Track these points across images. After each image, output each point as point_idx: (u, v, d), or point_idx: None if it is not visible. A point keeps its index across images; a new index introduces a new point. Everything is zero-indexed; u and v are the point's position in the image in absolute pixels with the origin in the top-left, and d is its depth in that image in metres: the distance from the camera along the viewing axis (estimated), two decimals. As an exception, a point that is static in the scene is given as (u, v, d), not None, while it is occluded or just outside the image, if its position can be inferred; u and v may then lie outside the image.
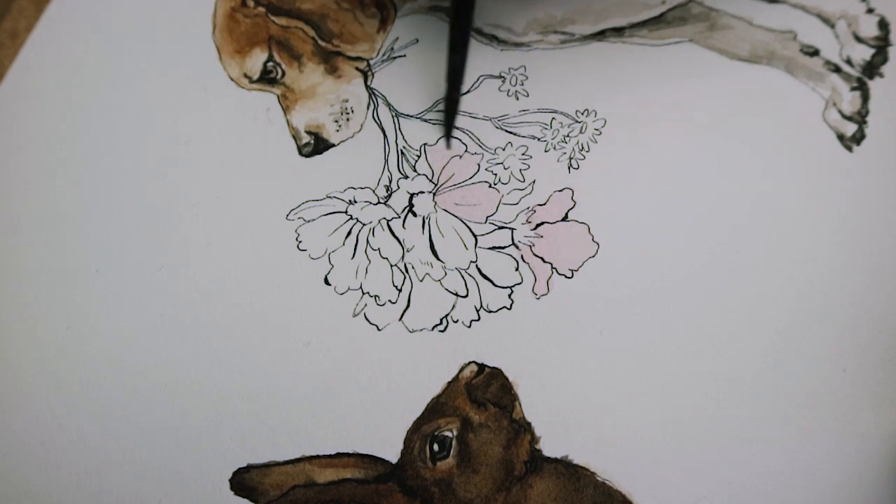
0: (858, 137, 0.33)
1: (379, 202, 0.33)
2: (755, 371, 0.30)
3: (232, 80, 0.36)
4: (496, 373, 0.30)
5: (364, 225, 0.33)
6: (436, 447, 0.29)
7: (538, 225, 0.33)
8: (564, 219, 0.33)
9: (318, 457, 0.30)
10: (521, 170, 0.34)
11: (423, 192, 0.34)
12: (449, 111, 0.34)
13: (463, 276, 0.32)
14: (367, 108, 0.35)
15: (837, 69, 0.34)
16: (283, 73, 0.36)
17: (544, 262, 0.32)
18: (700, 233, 0.32)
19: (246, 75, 0.36)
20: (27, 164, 0.36)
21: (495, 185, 0.33)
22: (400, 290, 0.32)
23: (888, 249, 0.31)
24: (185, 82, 0.36)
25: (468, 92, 0.35)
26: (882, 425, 0.29)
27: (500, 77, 0.35)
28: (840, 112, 0.33)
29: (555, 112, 0.34)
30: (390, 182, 0.34)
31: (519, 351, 0.31)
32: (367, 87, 0.36)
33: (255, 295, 0.32)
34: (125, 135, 0.36)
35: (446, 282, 0.32)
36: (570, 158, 0.34)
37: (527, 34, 0.36)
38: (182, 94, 0.36)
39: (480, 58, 0.36)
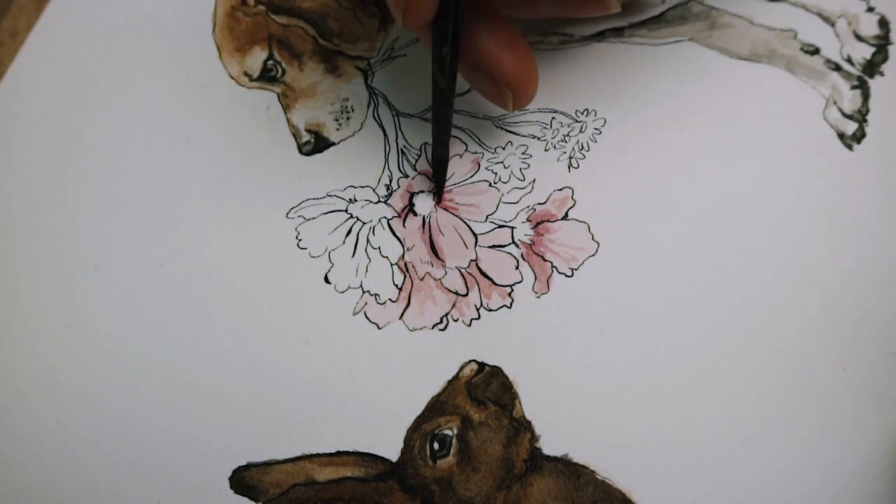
0: (859, 136, 0.33)
1: (379, 201, 0.33)
2: (755, 369, 0.30)
3: (232, 78, 0.36)
4: (496, 371, 0.30)
5: (364, 223, 0.33)
6: (436, 445, 0.29)
7: (538, 224, 0.33)
8: (565, 217, 0.33)
9: (318, 455, 0.30)
10: (521, 169, 0.34)
11: (423, 191, 0.34)
12: (439, 171, 0.33)
13: (463, 275, 0.32)
14: (368, 106, 0.35)
15: (838, 68, 0.34)
16: (284, 72, 0.36)
17: (544, 260, 0.32)
18: (700, 231, 0.32)
19: (246, 73, 0.36)
20: (26, 161, 0.36)
21: (495, 183, 0.33)
22: (400, 289, 0.32)
23: (889, 248, 0.31)
24: (184, 80, 0.36)
25: (468, 91, 0.35)
26: (883, 424, 0.29)
27: (501, 76, 0.35)
28: (840, 110, 0.33)
29: (555, 112, 0.35)
30: (391, 181, 0.34)
31: (519, 349, 0.31)
32: (367, 85, 0.36)
33: (255, 293, 0.32)
34: (125, 133, 0.36)
35: (446, 280, 0.32)
36: (570, 158, 0.34)
37: (526, 35, 0.36)
38: (182, 92, 0.36)
39: (481, 57, 0.36)
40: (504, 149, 0.34)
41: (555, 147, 0.34)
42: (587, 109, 0.34)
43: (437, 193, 0.33)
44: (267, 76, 0.36)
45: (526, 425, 0.30)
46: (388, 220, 0.33)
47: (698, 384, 0.30)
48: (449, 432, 0.30)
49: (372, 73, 0.36)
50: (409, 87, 0.36)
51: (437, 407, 0.30)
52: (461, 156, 0.34)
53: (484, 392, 0.30)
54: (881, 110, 0.33)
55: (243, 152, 0.35)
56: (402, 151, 0.34)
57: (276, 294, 0.32)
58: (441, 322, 0.31)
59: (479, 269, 0.32)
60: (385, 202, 0.33)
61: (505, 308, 0.31)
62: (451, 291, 0.32)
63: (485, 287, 0.32)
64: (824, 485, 0.28)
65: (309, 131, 0.35)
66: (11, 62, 0.38)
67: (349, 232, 0.33)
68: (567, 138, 0.34)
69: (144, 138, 0.36)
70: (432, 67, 0.29)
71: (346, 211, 0.33)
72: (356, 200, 0.34)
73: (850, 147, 0.33)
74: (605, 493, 0.28)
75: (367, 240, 0.33)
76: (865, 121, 0.33)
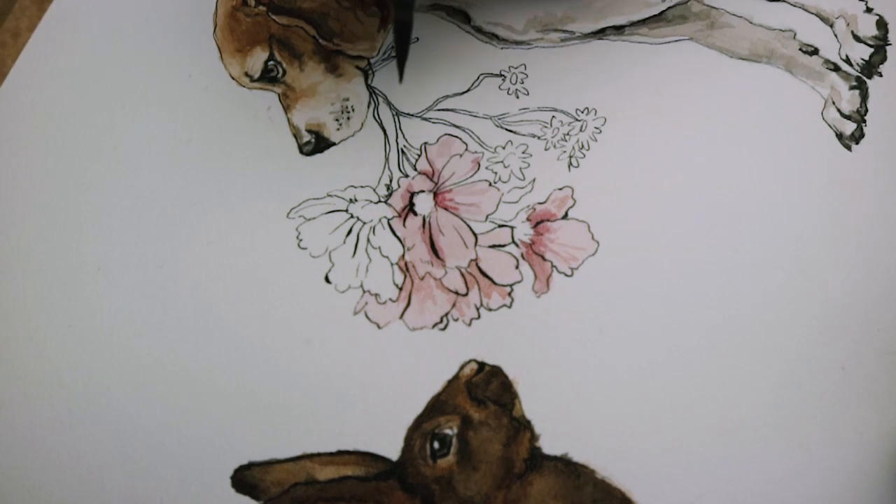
0: (857, 136, 0.33)
1: (379, 201, 0.34)
2: (754, 369, 0.30)
3: (233, 78, 0.36)
4: (496, 371, 0.30)
5: (365, 223, 0.33)
6: (436, 445, 0.29)
7: (538, 223, 0.33)
8: (564, 217, 0.33)
9: (318, 454, 0.30)
10: (521, 168, 0.34)
11: (423, 191, 0.34)
12: (401, 38, 0.30)
13: (463, 275, 0.32)
14: (368, 106, 0.35)
15: (836, 68, 0.34)
16: (284, 72, 0.36)
17: (544, 260, 0.32)
18: (699, 231, 0.32)
19: (247, 74, 0.36)
20: (29, 162, 0.36)
21: (495, 183, 0.33)
22: (400, 289, 0.32)
23: (888, 248, 0.31)
24: (186, 81, 0.37)
25: (468, 91, 0.35)
26: (881, 423, 0.29)
27: (501, 75, 0.35)
28: (839, 111, 0.33)
29: (555, 110, 0.35)
30: (391, 181, 0.34)
31: (519, 349, 0.31)
32: (367, 85, 0.36)
33: (256, 293, 0.32)
34: (126, 134, 0.36)
35: (447, 280, 0.32)
36: (570, 157, 0.34)
37: (527, 32, 0.36)
38: (183, 92, 0.36)
39: (481, 56, 0.36)
40: (504, 148, 0.34)
41: (555, 146, 0.34)
42: (587, 108, 0.34)
43: (399, 67, 0.31)
44: (268, 76, 0.36)
45: (526, 424, 0.30)
46: (389, 219, 0.33)
47: (697, 384, 0.30)
48: (449, 431, 0.30)
49: (372, 73, 0.36)
50: (410, 86, 0.36)
51: (437, 406, 0.30)
52: (461, 156, 0.34)
53: (484, 391, 0.30)
54: (879, 111, 0.33)
55: (244, 153, 0.35)
56: (403, 151, 0.34)
57: (277, 294, 0.32)
58: (441, 322, 0.31)
59: (479, 268, 0.32)
60: (385, 202, 0.34)
61: (505, 307, 0.31)
62: (451, 291, 0.32)
63: (485, 286, 0.32)
64: (823, 484, 0.28)
65: (309, 131, 0.35)
66: (14, 63, 0.38)
67: (349, 232, 0.33)
68: (567, 137, 0.34)
69: (146, 139, 0.36)
70: None
71: (346, 211, 0.33)
72: (356, 200, 0.34)
73: (848, 147, 0.33)
74: (605, 492, 0.29)
75: (368, 239, 0.33)
76: (864, 121, 0.33)
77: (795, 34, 0.35)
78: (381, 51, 0.36)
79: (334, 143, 0.35)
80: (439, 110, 0.35)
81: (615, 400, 0.30)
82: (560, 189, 0.33)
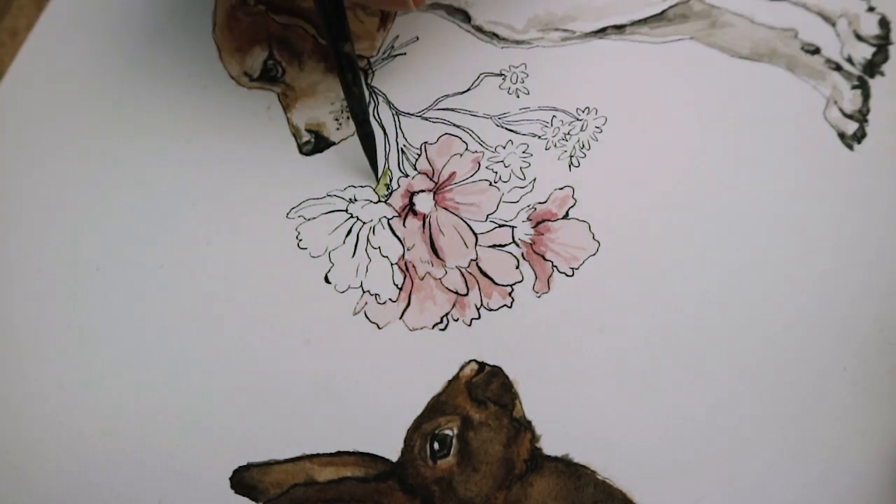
0: (859, 136, 0.33)
1: (379, 200, 0.33)
2: (755, 369, 0.30)
3: (232, 78, 0.36)
4: (496, 371, 0.30)
5: (364, 223, 0.33)
6: (436, 445, 0.29)
7: (539, 223, 0.33)
8: (565, 217, 0.33)
9: (318, 455, 0.30)
10: (521, 168, 0.34)
11: (423, 191, 0.34)
12: (369, 148, 0.33)
13: (463, 275, 0.32)
14: (368, 106, 0.35)
15: (838, 67, 0.34)
16: (284, 72, 0.36)
17: (545, 259, 0.32)
18: (700, 231, 0.32)
19: (246, 73, 0.36)
20: (27, 162, 0.36)
21: (496, 183, 0.33)
22: (400, 289, 0.32)
23: (888, 248, 0.31)
24: (185, 80, 0.37)
25: (468, 90, 0.35)
26: (883, 424, 0.29)
27: (501, 75, 0.35)
28: (841, 110, 0.33)
29: (555, 110, 0.34)
30: (391, 180, 0.34)
31: (519, 349, 0.31)
32: (367, 85, 0.36)
33: (256, 293, 0.32)
34: (125, 133, 0.36)
35: (447, 280, 0.32)
36: (571, 156, 0.34)
37: (527, 32, 0.36)
38: (182, 92, 0.36)
39: (481, 56, 0.36)
40: (504, 147, 0.34)
41: (555, 146, 0.34)
42: (588, 108, 0.34)
43: (374, 169, 0.34)
44: (267, 76, 0.36)
45: (526, 425, 0.30)
46: (389, 219, 0.33)
47: (698, 384, 0.30)
48: (449, 432, 0.30)
49: (372, 72, 0.36)
50: (409, 86, 0.35)
51: (437, 407, 0.30)
52: (461, 155, 0.34)
53: (484, 392, 0.30)
54: (882, 110, 0.33)
55: (244, 152, 0.35)
56: (402, 151, 0.34)
57: (277, 294, 0.32)
58: (441, 322, 0.31)
59: (479, 268, 0.32)
60: (385, 202, 0.33)
61: (505, 308, 0.31)
62: (451, 291, 0.32)
63: (485, 286, 0.32)
64: (824, 485, 0.28)
65: (309, 131, 0.35)
66: (11, 62, 0.38)
67: (349, 232, 0.33)
68: (568, 137, 0.34)
69: (145, 139, 0.36)
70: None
71: (346, 211, 0.33)
72: (356, 200, 0.34)
73: (850, 147, 0.33)
74: (606, 494, 0.29)
75: (368, 239, 0.33)
76: (866, 120, 0.33)
77: (797, 33, 0.35)
78: (380, 50, 0.36)
79: (334, 143, 0.35)
80: (439, 110, 0.35)
81: (616, 400, 0.30)
82: (561, 189, 0.33)
